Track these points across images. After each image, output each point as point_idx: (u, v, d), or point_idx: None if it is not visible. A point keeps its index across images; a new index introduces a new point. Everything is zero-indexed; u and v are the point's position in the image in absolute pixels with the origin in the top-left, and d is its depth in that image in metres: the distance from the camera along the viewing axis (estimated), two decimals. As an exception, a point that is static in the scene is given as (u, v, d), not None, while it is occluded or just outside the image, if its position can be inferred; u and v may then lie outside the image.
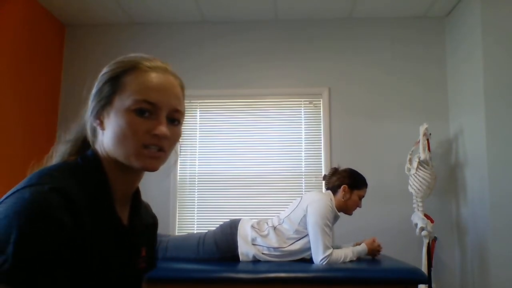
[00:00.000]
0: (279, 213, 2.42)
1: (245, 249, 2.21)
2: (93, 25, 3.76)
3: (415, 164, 3.03)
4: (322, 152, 3.48)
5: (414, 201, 3.07)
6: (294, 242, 2.21)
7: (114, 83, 0.79)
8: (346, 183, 2.33)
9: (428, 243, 3.00)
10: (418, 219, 2.99)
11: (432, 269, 3.02)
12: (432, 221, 3.00)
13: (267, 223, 2.31)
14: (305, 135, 3.55)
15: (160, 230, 3.46)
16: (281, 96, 3.60)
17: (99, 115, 0.80)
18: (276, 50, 3.64)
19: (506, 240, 2.74)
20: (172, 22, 3.70)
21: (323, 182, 2.52)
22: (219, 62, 3.64)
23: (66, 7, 3.46)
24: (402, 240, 3.29)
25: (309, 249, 2.18)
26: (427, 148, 3.04)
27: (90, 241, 0.73)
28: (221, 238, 2.23)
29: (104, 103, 0.79)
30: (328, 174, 2.46)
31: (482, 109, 2.89)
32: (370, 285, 1.96)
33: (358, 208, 2.42)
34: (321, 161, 3.48)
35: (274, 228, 2.25)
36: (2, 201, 0.68)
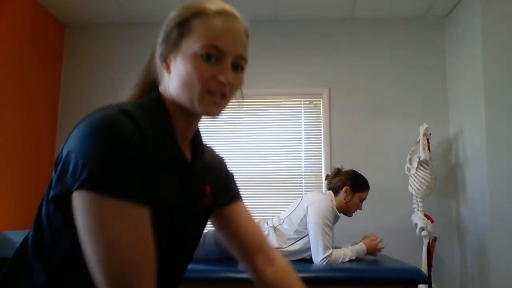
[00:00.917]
0: (279, 213, 2.42)
1: None
2: (93, 25, 3.76)
3: (415, 164, 3.03)
4: (322, 152, 3.48)
5: (414, 201, 3.06)
6: (294, 242, 2.21)
7: (182, 28, 0.79)
8: (348, 185, 2.33)
9: (428, 243, 3.00)
10: (418, 219, 2.99)
11: (432, 269, 3.02)
12: (432, 221, 3.00)
13: (267, 223, 2.31)
14: (305, 135, 3.55)
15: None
16: (281, 96, 3.60)
17: (166, 58, 0.81)
18: (276, 50, 3.64)
19: (506, 240, 2.74)
20: (172, 22, 3.69)
21: (325, 182, 2.51)
22: (219, 62, 3.64)
23: (66, 7, 3.46)
24: (402, 240, 3.29)
25: (309, 249, 2.18)
26: (427, 148, 3.04)
27: (155, 170, 0.74)
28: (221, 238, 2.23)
29: (172, 48, 0.80)
30: (331, 174, 2.46)
31: (482, 109, 2.89)
32: (370, 285, 1.96)
33: (358, 210, 2.41)
34: (321, 161, 3.48)
35: (274, 228, 2.25)
36: (77, 125, 0.73)
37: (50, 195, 0.71)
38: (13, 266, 0.79)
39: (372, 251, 2.32)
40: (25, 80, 3.24)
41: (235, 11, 0.83)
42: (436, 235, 3.10)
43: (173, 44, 0.80)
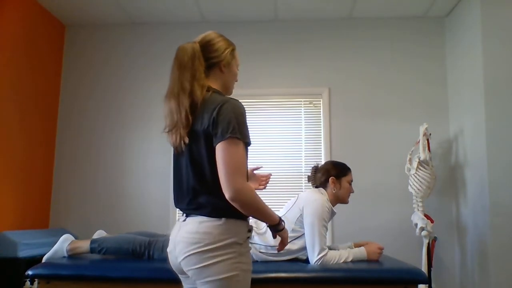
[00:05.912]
0: (278, 213, 2.42)
1: None
2: (93, 25, 3.76)
3: (415, 164, 3.03)
4: (322, 152, 3.48)
5: (414, 201, 3.07)
6: (290, 241, 2.21)
7: (232, 53, 1.51)
8: (332, 175, 2.31)
9: (428, 243, 3.00)
10: (418, 219, 2.99)
11: (432, 269, 3.02)
12: (432, 221, 3.00)
13: (264, 221, 2.31)
14: (305, 135, 3.55)
15: (160, 230, 3.43)
16: (281, 96, 3.60)
17: (221, 65, 1.48)
18: (276, 50, 3.65)
19: (506, 240, 2.74)
20: (172, 22, 3.70)
21: (310, 183, 2.48)
22: (219, 62, 3.64)
23: (66, 7, 3.47)
24: (402, 240, 3.29)
25: (305, 248, 2.18)
26: (427, 148, 3.04)
27: None
28: None
29: (227, 61, 1.49)
30: (311, 173, 2.45)
31: (482, 109, 2.89)
32: (370, 285, 1.96)
33: (351, 193, 2.36)
34: (321, 161, 3.48)
35: (271, 226, 2.25)
36: (218, 106, 1.32)
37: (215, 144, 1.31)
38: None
39: (372, 256, 2.26)
40: (25, 80, 3.24)
41: None
42: (436, 235, 3.10)
43: (228, 60, 1.48)
